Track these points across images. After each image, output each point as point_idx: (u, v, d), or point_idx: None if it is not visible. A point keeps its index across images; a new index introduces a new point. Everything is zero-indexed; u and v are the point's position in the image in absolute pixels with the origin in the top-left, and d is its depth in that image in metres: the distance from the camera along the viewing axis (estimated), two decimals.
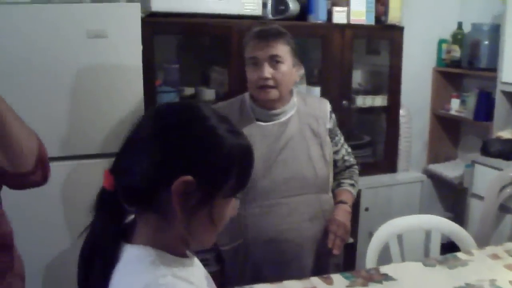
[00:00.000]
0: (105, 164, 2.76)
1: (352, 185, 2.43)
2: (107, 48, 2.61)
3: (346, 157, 2.45)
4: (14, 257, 1.73)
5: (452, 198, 4.64)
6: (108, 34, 2.59)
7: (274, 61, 2.16)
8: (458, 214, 4.32)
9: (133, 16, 2.67)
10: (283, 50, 2.17)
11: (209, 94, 3.43)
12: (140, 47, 2.68)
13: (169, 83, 3.34)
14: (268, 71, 2.15)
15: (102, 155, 2.67)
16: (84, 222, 1.15)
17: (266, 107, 2.26)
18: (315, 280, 2.03)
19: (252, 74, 2.20)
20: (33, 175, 1.55)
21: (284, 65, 2.17)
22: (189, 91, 3.48)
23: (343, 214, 2.29)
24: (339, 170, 2.45)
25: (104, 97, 2.66)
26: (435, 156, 4.62)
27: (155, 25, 2.99)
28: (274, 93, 2.19)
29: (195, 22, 3.16)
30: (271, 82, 2.17)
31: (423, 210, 3.99)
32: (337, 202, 2.36)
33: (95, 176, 2.64)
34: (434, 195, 4.62)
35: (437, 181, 4.53)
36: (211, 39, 3.67)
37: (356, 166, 2.50)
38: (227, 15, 3.21)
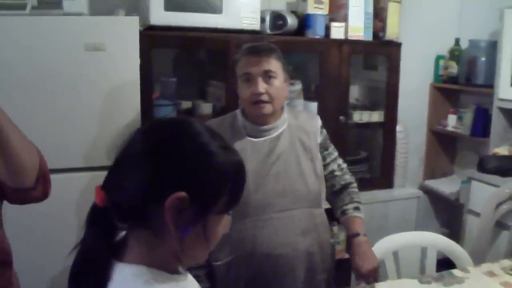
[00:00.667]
0: (101, 177, 2.75)
1: (357, 208, 2.39)
2: (105, 61, 2.62)
3: (338, 173, 2.42)
4: (12, 273, 1.72)
5: (448, 214, 4.63)
6: (106, 47, 2.60)
7: (268, 76, 2.16)
8: (454, 230, 4.31)
9: (132, 29, 2.68)
10: (275, 65, 2.18)
11: (206, 108, 3.43)
12: (138, 61, 2.68)
13: (166, 96, 3.34)
14: (262, 86, 2.15)
15: (98, 168, 2.66)
16: (77, 236, 1.14)
17: (258, 123, 2.26)
18: None
19: (246, 90, 2.20)
20: (34, 190, 1.54)
21: (277, 80, 2.18)
22: (186, 104, 3.48)
23: (364, 252, 2.26)
24: (336, 190, 2.43)
25: (102, 110, 2.66)
26: (431, 172, 4.62)
27: (153, 38, 3.00)
28: (268, 108, 2.20)
29: (193, 36, 3.17)
30: (265, 97, 2.17)
31: (419, 226, 3.99)
32: (351, 235, 2.33)
33: (90, 189, 2.65)
34: (430, 211, 4.62)
35: (433, 197, 4.53)
36: (208, 53, 3.68)
37: (354, 184, 2.47)
38: (225, 29, 3.22)
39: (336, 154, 2.44)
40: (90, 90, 2.62)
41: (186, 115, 3.43)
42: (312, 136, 2.34)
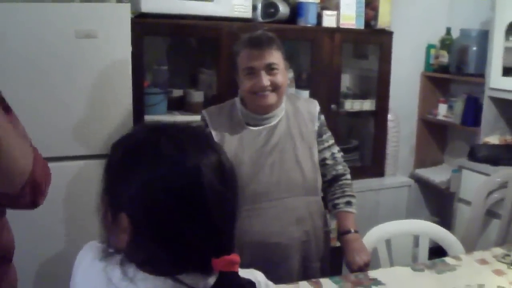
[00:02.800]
0: (93, 165, 2.76)
1: (348, 202, 2.38)
2: (96, 48, 2.60)
3: (329, 162, 2.39)
4: (10, 266, 1.70)
5: (439, 203, 4.65)
6: (97, 34, 2.57)
7: (271, 69, 2.16)
8: (444, 218, 4.33)
9: (123, 16, 2.66)
10: (277, 56, 2.17)
11: (197, 96, 3.42)
12: (130, 48, 2.67)
13: (158, 84, 3.32)
14: (266, 79, 2.15)
15: (89, 156, 2.65)
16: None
17: (258, 112, 2.26)
18: (303, 284, 2.02)
19: (248, 82, 2.18)
20: (21, 197, 1.49)
21: (279, 70, 2.18)
22: (177, 93, 3.48)
23: (355, 249, 2.26)
24: (328, 180, 2.41)
25: (93, 97, 2.64)
26: (422, 160, 4.64)
27: (144, 26, 2.98)
28: (272, 98, 2.20)
29: (184, 24, 3.15)
30: (269, 88, 2.18)
31: (410, 214, 4.00)
32: (342, 232, 2.33)
33: (81, 177, 2.65)
34: (420, 200, 4.63)
35: (424, 185, 4.54)
36: (200, 41, 3.65)
37: (347, 176, 2.44)
38: (217, 17, 3.20)
39: (331, 142, 2.41)
40: (81, 77, 2.61)
41: (178, 103, 3.42)
42: (310, 122, 2.34)
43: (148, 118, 3.11)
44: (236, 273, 1.03)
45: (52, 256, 2.66)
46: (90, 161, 2.66)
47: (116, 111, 2.68)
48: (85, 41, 2.56)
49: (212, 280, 1.04)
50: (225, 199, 1.06)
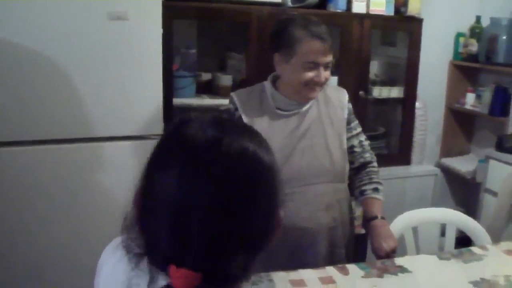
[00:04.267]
0: (124, 146, 2.78)
1: (376, 189, 2.39)
2: (127, 31, 2.60)
3: (357, 149, 2.41)
4: None
5: (464, 193, 4.64)
6: (129, 16, 2.58)
7: (327, 66, 2.18)
8: (469, 208, 4.31)
9: None
10: (331, 55, 2.20)
11: (226, 80, 3.44)
12: (161, 31, 2.66)
13: (186, 68, 3.34)
14: (323, 76, 2.17)
15: (121, 137, 2.69)
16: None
17: (293, 99, 2.26)
18: (330, 270, 2.03)
19: (306, 75, 2.15)
20: None
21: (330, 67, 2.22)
22: (206, 76, 3.50)
23: (382, 235, 2.26)
24: (355, 167, 2.43)
25: (123, 80, 2.65)
26: (448, 150, 4.62)
27: (174, 9, 2.99)
28: (317, 92, 2.24)
29: (214, 7, 3.17)
30: (322, 84, 2.21)
31: (436, 203, 3.99)
32: (369, 218, 2.33)
33: (117, 158, 2.69)
34: (446, 189, 4.62)
35: (450, 175, 4.52)
36: (229, 25, 3.66)
37: (374, 164, 2.45)
38: (247, 1, 3.21)
39: (359, 130, 2.43)
40: (112, 60, 2.61)
41: (206, 87, 3.44)
42: (340, 110, 2.35)
43: (176, 101, 3.14)
44: None
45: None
46: (121, 143, 2.69)
47: (146, 94, 2.69)
48: (117, 23, 2.57)
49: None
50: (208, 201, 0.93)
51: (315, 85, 2.18)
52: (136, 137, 2.70)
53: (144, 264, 0.98)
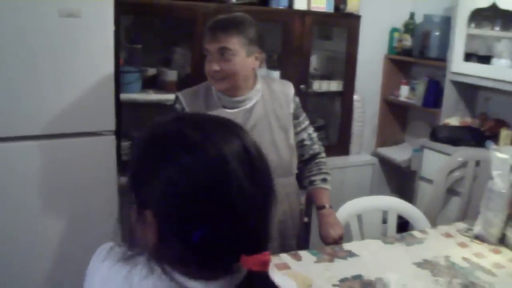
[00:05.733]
0: (76, 143, 2.77)
1: (324, 179, 2.49)
2: (80, 28, 2.61)
3: (307, 142, 2.48)
4: None
5: (399, 181, 4.84)
6: (81, 13, 2.58)
7: (224, 53, 2.15)
8: (405, 195, 4.48)
9: None
10: (233, 42, 2.14)
11: (171, 75, 3.48)
12: (112, 28, 2.67)
13: (132, 63, 3.36)
14: (216, 64, 2.16)
15: (72, 134, 2.69)
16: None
17: (228, 95, 2.28)
18: (284, 256, 2.13)
19: (206, 65, 2.21)
20: None
21: (235, 56, 2.15)
22: (151, 71, 3.52)
23: (330, 223, 2.38)
24: (305, 159, 2.50)
25: (76, 77, 2.66)
26: (383, 140, 4.81)
27: (121, 5, 3.00)
28: (224, 84, 2.21)
29: (161, 4, 3.21)
30: (219, 75, 2.18)
31: (373, 191, 4.17)
32: (318, 207, 2.44)
33: (67, 155, 2.69)
34: (382, 177, 4.81)
35: (385, 164, 4.71)
36: (174, 20, 3.69)
37: (323, 154, 2.55)
38: None
39: (307, 123, 2.49)
40: (64, 56, 2.61)
41: (151, 82, 3.48)
42: (285, 105, 2.38)
43: (123, 96, 3.15)
44: (266, 273, 0.96)
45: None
46: (73, 140, 2.70)
47: (99, 90, 2.69)
48: (69, 20, 2.57)
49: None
50: (252, 193, 0.98)
51: (211, 75, 2.20)
52: (89, 134, 2.72)
53: (141, 261, 1.02)
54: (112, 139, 2.78)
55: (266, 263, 0.96)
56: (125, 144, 3.34)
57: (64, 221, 2.75)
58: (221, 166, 0.95)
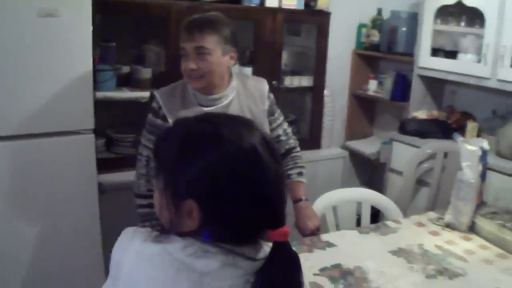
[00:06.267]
0: (54, 142, 2.75)
1: (300, 173, 2.57)
2: (58, 28, 2.61)
3: (283, 138, 2.54)
4: None
5: (368, 173, 4.96)
6: (59, 13, 2.58)
7: (200, 52, 2.18)
8: (375, 187, 4.57)
9: None
10: (209, 41, 2.17)
11: (145, 72, 3.50)
12: (91, 27, 2.68)
13: (106, 61, 3.38)
14: (192, 62, 2.20)
15: (51, 133, 2.70)
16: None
17: (204, 93, 2.31)
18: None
19: (182, 64, 2.24)
20: None
21: (211, 55, 2.19)
22: (125, 69, 3.53)
23: (307, 215, 2.48)
24: (281, 154, 2.54)
25: (54, 77, 2.67)
26: (352, 133, 4.91)
27: (95, 3, 3.02)
28: (200, 83, 2.24)
29: (134, 2, 3.25)
30: (196, 73, 2.22)
31: (345, 183, 4.25)
32: (295, 199, 2.52)
33: (46, 154, 2.70)
34: (352, 170, 4.90)
35: (355, 156, 4.80)
36: (148, 18, 3.70)
37: (298, 149, 2.62)
38: None
39: (282, 118, 2.56)
40: (42, 56, 2.61)
41: (126, 79, 3.50)
42: (260, 102, 2.43)
43: (98, 94, 3.15)
44: (288, 242, 1.12)
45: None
46: (52, 139, 2.71)
47: (77, 89, 2.69)
48: (47, 20, 2.57)
49: (263, 251, 1.14)
50: (279, 175, 1.16)
51: (189, 73, 2.23)
52: (68, 133, 2.73)
53: (174, 239, 1.13)
54: (91, 137, 2.79)
55: (286, 234, 1.11)
56: (100, 142, 3.37)
57: (45, 222, 2.75)
58: (253, 154, 1.12)
